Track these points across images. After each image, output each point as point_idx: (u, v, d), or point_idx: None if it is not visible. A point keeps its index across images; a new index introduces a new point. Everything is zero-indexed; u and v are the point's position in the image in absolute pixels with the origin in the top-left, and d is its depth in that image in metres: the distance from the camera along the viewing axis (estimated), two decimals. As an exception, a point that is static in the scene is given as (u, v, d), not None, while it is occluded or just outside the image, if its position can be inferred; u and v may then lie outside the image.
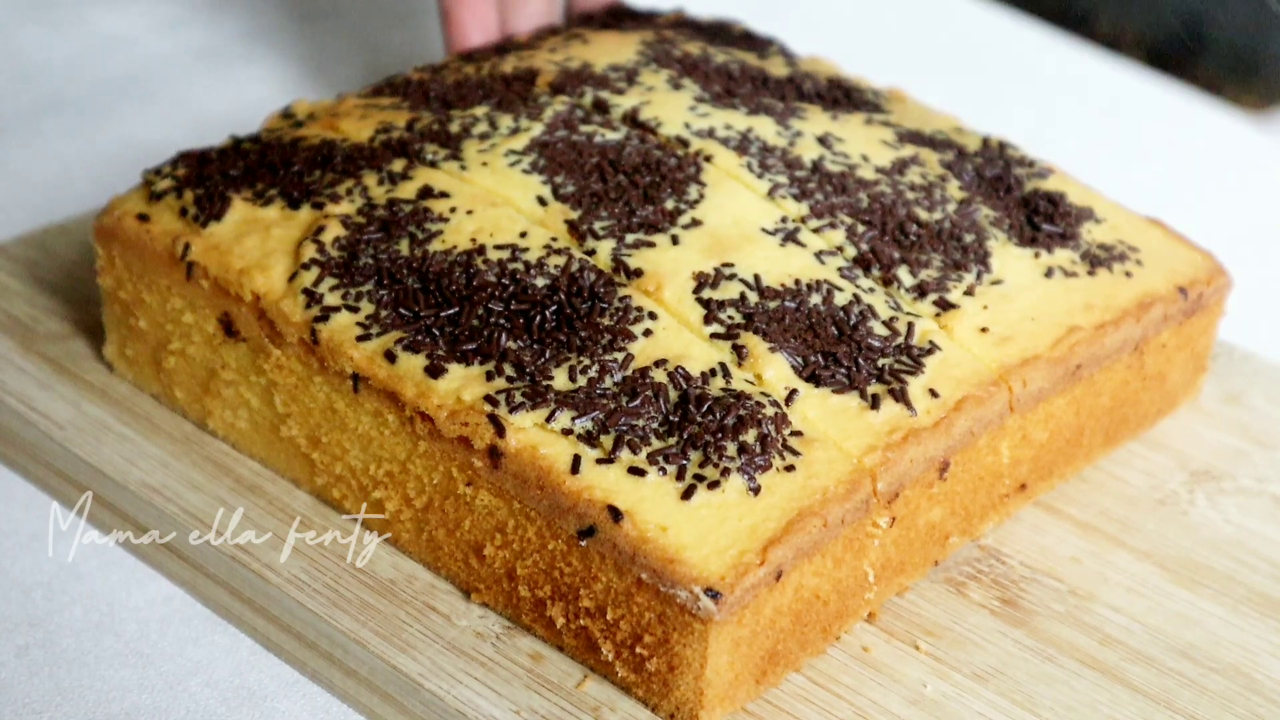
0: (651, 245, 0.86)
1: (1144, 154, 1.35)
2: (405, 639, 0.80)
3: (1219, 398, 1.00)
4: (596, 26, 1.10)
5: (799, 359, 0.82)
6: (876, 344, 0.83)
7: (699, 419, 0.77)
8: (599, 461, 0.76)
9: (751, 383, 0.80)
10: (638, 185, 0.90)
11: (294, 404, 0.86)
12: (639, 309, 0.83)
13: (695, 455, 0.77)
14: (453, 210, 0.88)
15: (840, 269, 0.87)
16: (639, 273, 0.85)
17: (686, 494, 0.75)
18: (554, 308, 0.82)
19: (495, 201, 0.89)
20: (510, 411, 0.78)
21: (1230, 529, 0.91)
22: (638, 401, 0.78)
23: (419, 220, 0.87)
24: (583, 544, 0.76)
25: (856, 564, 0.81)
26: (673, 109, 0.96)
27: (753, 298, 0.84)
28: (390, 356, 0.81)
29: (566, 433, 0.77)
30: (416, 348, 0.81)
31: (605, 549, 0.76)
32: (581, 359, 0.80)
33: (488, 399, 0.79)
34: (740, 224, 0.88)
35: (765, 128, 0.96)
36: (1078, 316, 0.89)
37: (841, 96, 1.02)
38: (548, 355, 0.80)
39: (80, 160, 1.24)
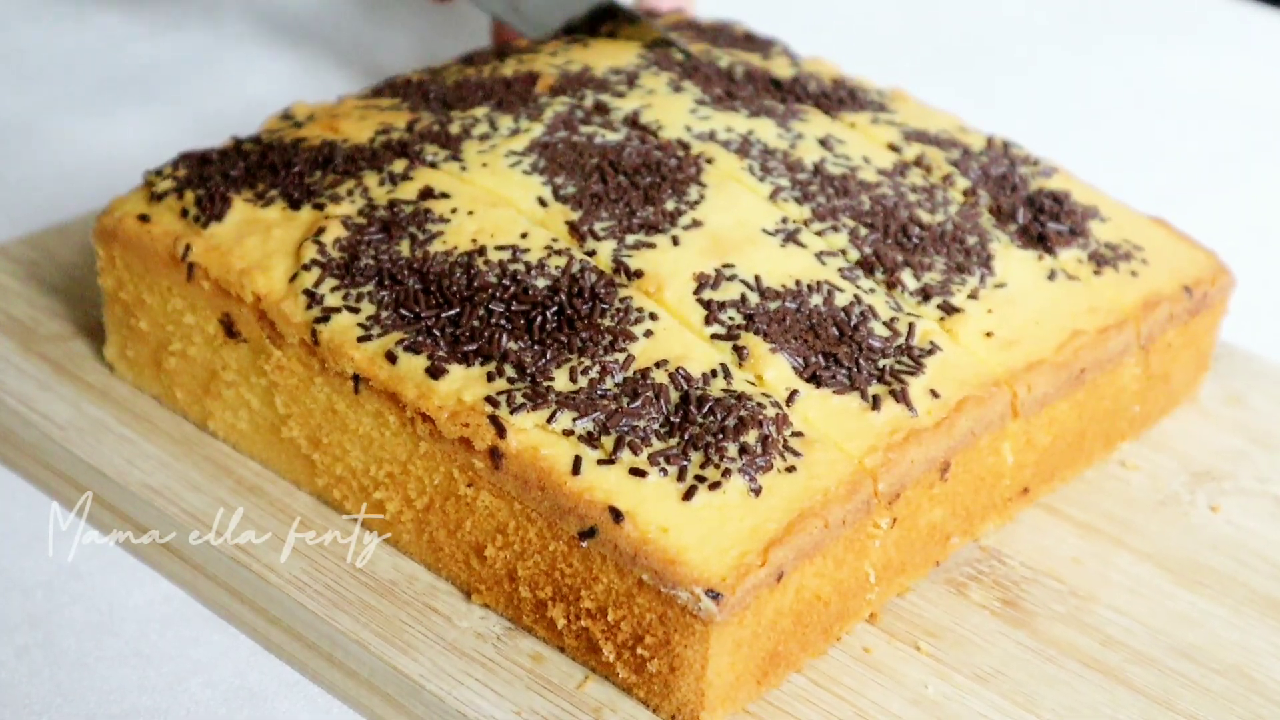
0: (652, 246, 0.86)
1: (1142, 153, 1.35)
2: (406, 640, 0.80)
3: (1220, 398, 1.00)
4: (597, 27, 1.10)
5: (800, 360, 0.81)
6: (877, 344, 0.83)
7: (700, 420, 0.77)
8: (600, 462, 0.76)
9: (752, 383, 0.80)
10: (638, 186, 0.90)
11: (295, 405, 0.86)
12: (639, 310, 0.82)
13: (696, 456, 0.76)
14: (453, 211, 0.88)
15: (841, 269, 0.87)
16: (639, 273, 0.85)
17: (687, 495, 0.75)
18: (555, 308, 0.82)
19: (496, 202, 0.89)
20: (511, 412, 0.78)
21: (1231, 530, 0.91)
22: (638, 402, 0.78)
23: (420, 221, 0.87)
24: (584, 545, 0.76)
25: (858, 565, 0.81)
26: (674, 112, 0.96)
27: (753, 298, 0.84)
28: (391, 357, 0.81)
29: (567, 434, 0.77)
30: (417, 348, 0.81)
31: (606, 550, 0.76)
32: (582, 360, 0.80)
33: (488, 400, 0.78)
34: (741, 225, 0.88)
35: (766, 130, 0.96)
36: (1082, 320, 0.89)
37: (846, 97, 1.02)
38: (548, 356, 0.80)
39: (80, 160, 1.24)
